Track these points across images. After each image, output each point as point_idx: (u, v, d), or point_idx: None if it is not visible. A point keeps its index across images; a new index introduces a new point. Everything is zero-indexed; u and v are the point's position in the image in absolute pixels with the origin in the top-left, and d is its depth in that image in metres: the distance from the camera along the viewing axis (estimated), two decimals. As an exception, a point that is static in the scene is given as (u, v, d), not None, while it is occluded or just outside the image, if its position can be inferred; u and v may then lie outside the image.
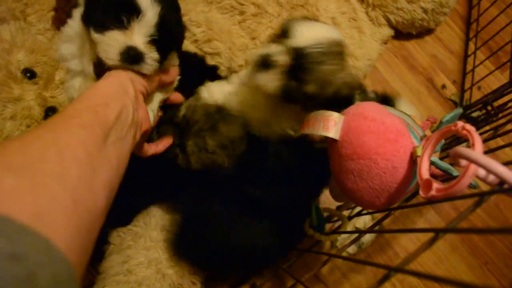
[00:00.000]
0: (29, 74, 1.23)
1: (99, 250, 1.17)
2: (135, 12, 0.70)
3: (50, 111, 1.22)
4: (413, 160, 0.69)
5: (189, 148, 0.98)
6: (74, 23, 0.80)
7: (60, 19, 1.31)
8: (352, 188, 0.75)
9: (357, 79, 0.98)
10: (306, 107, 0.87)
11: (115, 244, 1.16)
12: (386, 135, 0.71)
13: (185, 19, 1.22)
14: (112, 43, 0.71)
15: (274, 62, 0.83)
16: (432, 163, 0.67)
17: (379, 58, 1.47)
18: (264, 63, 0.83)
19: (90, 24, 0.72)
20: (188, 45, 1.31)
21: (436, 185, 0.59)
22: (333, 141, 0.76)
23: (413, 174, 0.70)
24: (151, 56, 0.73)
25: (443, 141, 0.77)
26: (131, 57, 0.71)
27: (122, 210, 1.02)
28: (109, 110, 0.63)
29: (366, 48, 1.41)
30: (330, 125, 0.76)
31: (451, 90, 1.47)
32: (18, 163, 0.46)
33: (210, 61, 1.28)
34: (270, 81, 0.84)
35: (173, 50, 0.85)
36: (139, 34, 0.72)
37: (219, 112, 0.99)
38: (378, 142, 0.70)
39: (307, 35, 0.84)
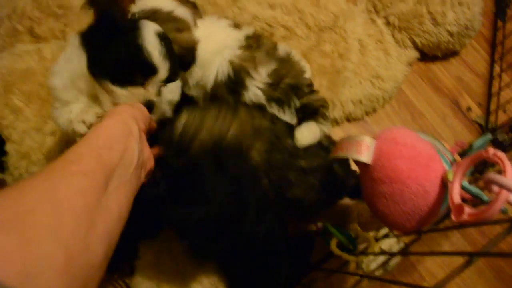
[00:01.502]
0: (68, 92, 1.28)
1: (129, 264, 1.21)
2: (151, 70, 0.79)
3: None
4: (444, 185, 0.71)
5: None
6: (71, 61, 0.85)
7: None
8: (384, 211, 0.77)
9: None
10: None
11: (145, 260, 1.19)
12: (417, 159, 0.73)
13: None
14: (133, 96, 0.78)
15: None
16: (463, 187, 0.69)
17: (404, 80, 1.49)
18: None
19: (104, 76, 0.78)
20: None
21: (468, 209, 0.61)
22: (365, 165, 0.79)
23: (444, 198, 0.72)
24: (162, 103, 0.83)
25: (472, 166, 0.78)
26: (148, 108, 0.79)
27: (149, 223, 1.07)
28: (113, 153, 0.60)
29: (392, 70, 1.44)
30: (363, 149, 0.78)
31: (477, 113, 1.49)
32: (8, 217, 0.42)
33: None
34: None
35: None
36: (153, 88, 0.80)
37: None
38: (410, 166, 0.72)
39: None
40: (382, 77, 1.42)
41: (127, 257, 1.22)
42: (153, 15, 0.95)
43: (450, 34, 1.43)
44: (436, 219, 0.78)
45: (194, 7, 1.11)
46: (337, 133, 1.42)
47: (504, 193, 0.56)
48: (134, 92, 0.78)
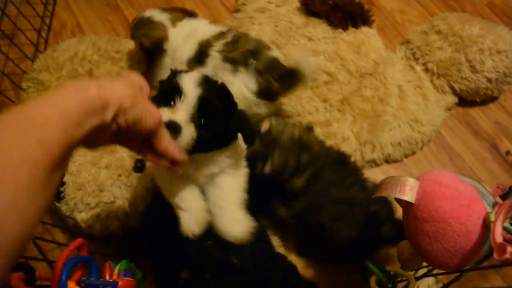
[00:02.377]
0: (123, 130, 1.37)
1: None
2: (180, 94, 0.84)
3: (138, 163, 1.35)
4: (486, 225, 0.74)
5: (275, 158, 1.13)
6: None
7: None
8: (427, 249, 0.81)
9: None
10: None
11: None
12: (460, 200, 0.77)
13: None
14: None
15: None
16: (504, 228, 0.73)
17: (443, 124, 1.53)
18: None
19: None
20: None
21: (510, 248, 0.65)
22: (408, 204, 0.83)
23: (486, 238, 0.76)
24: (188, 130, 0.83)
25: (514, 208, 0.82)
26: (171, 129, 0.80)
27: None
28: (79, 131, 0.53)
29: (430, 114, 1.48)
30: (407, 189, 0.83)
31: (516, 157, 1.51)
32: None
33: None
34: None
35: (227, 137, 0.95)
36: (182, 112, 0.83)
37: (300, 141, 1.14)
38: (452, 207, 0.77)
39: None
40: (420, 121, 1.46)
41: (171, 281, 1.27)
42: (140, 19, 1.40)
43: (489, 80, 1.48)
44: (477, 259, 0.82)
45: (190, 14, 1.49)
46: (376, 174, 1.46)
47: (545, 233, 0.60)
48: (162, 111, 0.81)
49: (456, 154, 1.51)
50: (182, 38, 1.37)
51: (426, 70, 1.54)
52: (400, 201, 0.88)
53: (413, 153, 1.50)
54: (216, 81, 0.91)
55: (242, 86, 1.25)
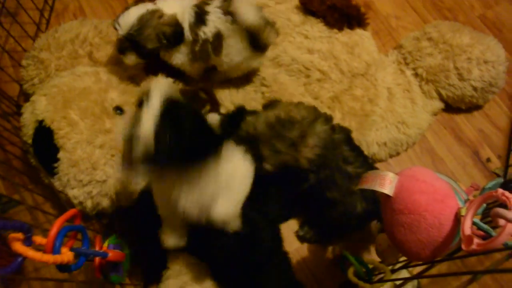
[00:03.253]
0: (120, 111, 1.42)
1: (157, 273, 1.31)
2: None
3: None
4: (458, 220, 0.80)
5: (265, 153, 1.16)
6: None
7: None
8: (401, 240, 0.86)
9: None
10: None
11: (172, 270, 1.29)
12: (435, 195, 0.82)
13: (258, 77, 1.42)
14: None
15: None
16: (474, 223, 0.78)
17: (428, 128, 1.59)
18: None
19: None
20: (257, 99, 1.48)
21: (476, 240, 0.70)
22: (387, 197, 0.88)
23: (457, 232, 0.81)
24: None
25: (484, 205, 0.87)
26: None
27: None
28: None
29: (417, 118, 1.54)
30: (386, 183, 0.88)
31: (496, 164, 1.57)
32: None
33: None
34: None
35: None
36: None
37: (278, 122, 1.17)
38: (427, 201, 0.82)
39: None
40: (407, 124, 1.52)
41: (156, 266, 1.31)
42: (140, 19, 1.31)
43: (474, 89, 1.54)
44: (448, 251, 0.87)
45: None
46: (361, 172, 1.52)
47: (510, 226, 0.65)
48: None
49: (439, 157, 1.57)
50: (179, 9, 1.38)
51: (416, 75, 1.59)
52: (380, 194, 0.93)
53: (398, 154, 1.56)
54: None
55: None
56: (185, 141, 0.84)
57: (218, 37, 1.37)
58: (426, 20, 1.83)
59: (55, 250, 0.81)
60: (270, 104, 1.34)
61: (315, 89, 1.47)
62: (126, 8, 1.35)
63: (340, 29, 1.56)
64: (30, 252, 0.75)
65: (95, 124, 1.37)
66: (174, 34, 1.34)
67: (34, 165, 1.39)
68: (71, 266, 0.87)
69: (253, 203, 1.07)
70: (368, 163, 1.28)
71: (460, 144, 1.60)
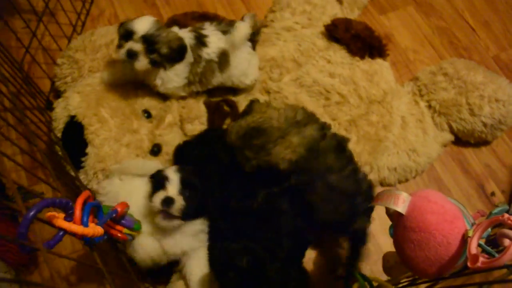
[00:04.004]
0: (147, 114, 1.51)
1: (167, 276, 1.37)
2: (167, 179, 1.18)
3: (155, 147, 1.47)
4: (464, 240, 0.87)
5: (240, 159, 1.29)
6: None
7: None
8: (410, 256, 0.93)
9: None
10: None
11: (180, 272, 1.34)
12: (444, 216, 0.89)
13: (280, 95, 1.49)
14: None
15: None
16: (479, 245, 0.85)
17: (437, 158, 1.66)
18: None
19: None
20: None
21: (482, 258, 0.77)
22: (400, 214, 0.95)
23: (463, 253, 0.88)
24: (179, 200, 1.16)
25: (489, 230, 0.94)
26: (167, 202, 1.14)
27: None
28: None
29: (427, 148, 1.61)
30: (400, 202, 0.95)
31: (500, 199, 1.63)
32: None
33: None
34: None
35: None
36: (171, 190, 1.17)
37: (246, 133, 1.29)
38: (437, 220, 0.89)
39: None
40: (418, 152, 1.59)
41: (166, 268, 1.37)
42: (150, 35, 1.35)
43: (484, 125, 1.61)
44: (453, 270, 0.93)
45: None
46: (370, 194, 1.58)
47: (513, 246, 0.72)
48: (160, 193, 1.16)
49: (446, 187, 1.64)
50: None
51: (429, 106, 1.67)
52: (392, 213, 1.00)
53: (406, 180, 1.62)
54: (188, 168, 1.25)
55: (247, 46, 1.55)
56: (196, 205, 1.20)
57: (224, 55, 1.48)
58: (442, 57, 1.91)
59: (85, 224, 0.87)
60: (247, 109, 1.47)
61: (334, 111, 1.55)
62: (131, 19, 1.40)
63: (362, 57, 1.65)
64: (73, 227, 0.81)
65: (123, 123, 1.45)
66: (180, 47, 1.40)
67: (60, 158, 1.46)
68: (95, 239, 0.92)
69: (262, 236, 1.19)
70: (356, 175, 1.30)
71: (467, 176, 1.67)
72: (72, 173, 1.41)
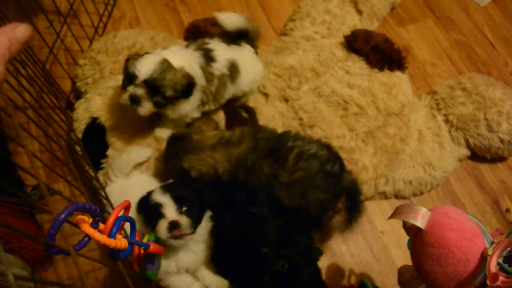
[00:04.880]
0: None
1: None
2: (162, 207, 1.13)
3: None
4: (483, 258, 0.87)
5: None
6: None
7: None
8: (428, 271, 0.93)
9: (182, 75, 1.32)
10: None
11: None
12: (464, 233, 0.90)
13: (298, 103, 1.50)
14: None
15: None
16: (498, 263, 0.85)
17: (453, 173, 1.67)
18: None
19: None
20: (294, 124, 1.56)
21: (501, 278, 0.77)
22: (418, 229, 0.96)
23: (481, 271, 0.88)
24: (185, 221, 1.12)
25: (508, 249, 0.94)
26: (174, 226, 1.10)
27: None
28: None
29: (443, 162, 1.62)
30: (419, 217, 0.96)
31: (514, 215, 1.64)
32: None
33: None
34: None
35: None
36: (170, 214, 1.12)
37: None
38: (457, 237, 0.89)
39: None
40: (433, 166, 1.60)
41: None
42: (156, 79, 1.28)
43: (502, 141, 1.61)
44: (470, 287, 0.94)
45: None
46: (383, 206, 1.59)
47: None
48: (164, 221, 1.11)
49: (460, 202, 1.64)
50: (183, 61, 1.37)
51: (446, 121, 1.67)
52: (410, 228, 1.01)
53: (421, 193, 1.63)
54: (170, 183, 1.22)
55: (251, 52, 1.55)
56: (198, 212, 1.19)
57: (233, 65, 1.47)
58: (461, 71, 1.92)
59: (112, 236, 0.88)
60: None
61: (351, 122, 1.56)
62: (138, 54, 1.32)
63: (381, 69, 1.66)
64: (96, 234, 0.83)
65: (144, 128, 1.47)
66: (188, 85, 1.33)
67: (79, 158, 1.48)
68: (119, 253, 0.95)
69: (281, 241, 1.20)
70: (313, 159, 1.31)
71: (482, 192, 1.67)
72: (92, 173, 1.43)
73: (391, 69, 1.67)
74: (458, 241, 0.89)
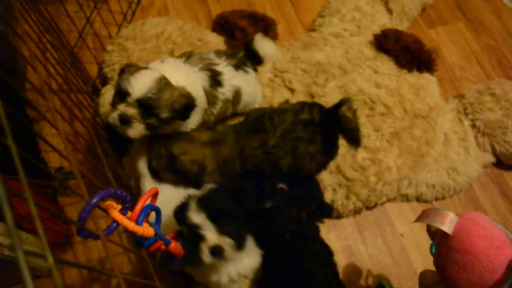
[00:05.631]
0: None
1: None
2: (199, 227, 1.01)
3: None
4: (510, 268, 0.86)
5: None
6: None
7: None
8: (453, 277, 0.92)
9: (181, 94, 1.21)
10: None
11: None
12: (492, 241, 0.88)
13: (324, 100, 1.49)
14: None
15: None
16: (525, 274, 0.84)
17: (477, 179, 1.64)
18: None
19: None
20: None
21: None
22: (445, 234, 0.94)
23: (507, 280, 0.87)
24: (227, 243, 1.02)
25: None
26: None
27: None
28: None
29: (468, 167, 1.59)
30: (446, 221, 0.95)
31: (537, 226, 1.61)
32: None
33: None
34: None
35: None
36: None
37: None
38: (485, 245, 0.88)
39: None
40: (458, 171, 1.58)
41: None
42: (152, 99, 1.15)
43: (528, 150, 1.59)
44: (495, 296, 0.92)
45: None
46: (404, 208, 1.58)
47: None
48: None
49: (482, 209, 1.62)
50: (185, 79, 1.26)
51: (473, 126, 1.65)
52: (435, 232, 1.00)
53: (443, 198, 1.61)
54: (206, 196, 1.07)
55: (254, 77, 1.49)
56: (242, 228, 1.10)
57: (238, 92, 1.41)
58: (490, 76, 1.88)
59: (139, 223, 0.89)
60: None
61: (377, 122, 1.54)
62: (134, 68, 1.17)
63: (410, 70, 1.64)
64: (125, 221, 0.83)
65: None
66: (186, 106, 1.20)
67: (104, 142, 1.49)
68: (144, 241, 0.95)
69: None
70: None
71: (505, 200, 1.64)
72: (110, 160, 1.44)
73: (420, 70, 1.65)
74: (485, 249, 0.88)
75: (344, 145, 1.48)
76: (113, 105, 1.18)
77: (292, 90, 1.64)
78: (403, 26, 1.92)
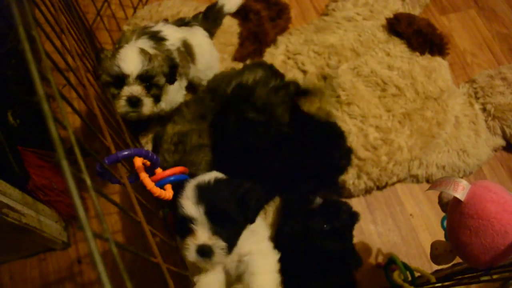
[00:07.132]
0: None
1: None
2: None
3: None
4: (523, 232, 0.88)
5: None
6: None
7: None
8: (465, 242, 0.94)
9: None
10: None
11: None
12: (504, 206, 0.90)
13: (336, 81, 1.52)
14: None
15: None
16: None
17: (486, 162, 1.66)
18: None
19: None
20: (331, 101, 1.58)
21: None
22: (457, 201, 0.96)
23: (518, 244, 0.89)
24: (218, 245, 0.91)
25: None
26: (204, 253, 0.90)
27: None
28: None
29: (478, 150, 1.61)
30: (459, 188, 0.97)
31: (546, 209, 1.62)
32: None
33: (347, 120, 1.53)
34: None
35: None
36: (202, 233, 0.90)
37: None
38: (497, 209, 0.90)
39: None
40: (468, 153, 1.59)
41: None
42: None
43: (538, 133, 1.60)
44: (505, 261, 0.94)
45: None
46: (415, 190, 1.59)
47: None
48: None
49: (492, 191, 1.63)
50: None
51: (484, 109, 1.67)
52: (446, 204, 1.02)
53: (453, 180, 1.62)
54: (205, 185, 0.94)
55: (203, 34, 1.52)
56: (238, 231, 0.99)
57: (188, 45, 1.42)
58: (501, 63, 1.90)
59: (159, 184, 0.91)
60: None
61: (389, 103, 1.56)
62: (109, 52, 1.20)
63: (422, 53, 1.66)
64: (146, 179, 0.86)
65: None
66: (172, 67, 1.25)
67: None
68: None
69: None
70: None
71: (514, 183, 1.66)
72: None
73: (432, 53, 1.67)
74: (498, 213, 0.90)
75: (357, 125, 1.51)
76: (114, 96, 1.19)
77: (304, 72, 1.66)
78: (415, 12, 1.93)
